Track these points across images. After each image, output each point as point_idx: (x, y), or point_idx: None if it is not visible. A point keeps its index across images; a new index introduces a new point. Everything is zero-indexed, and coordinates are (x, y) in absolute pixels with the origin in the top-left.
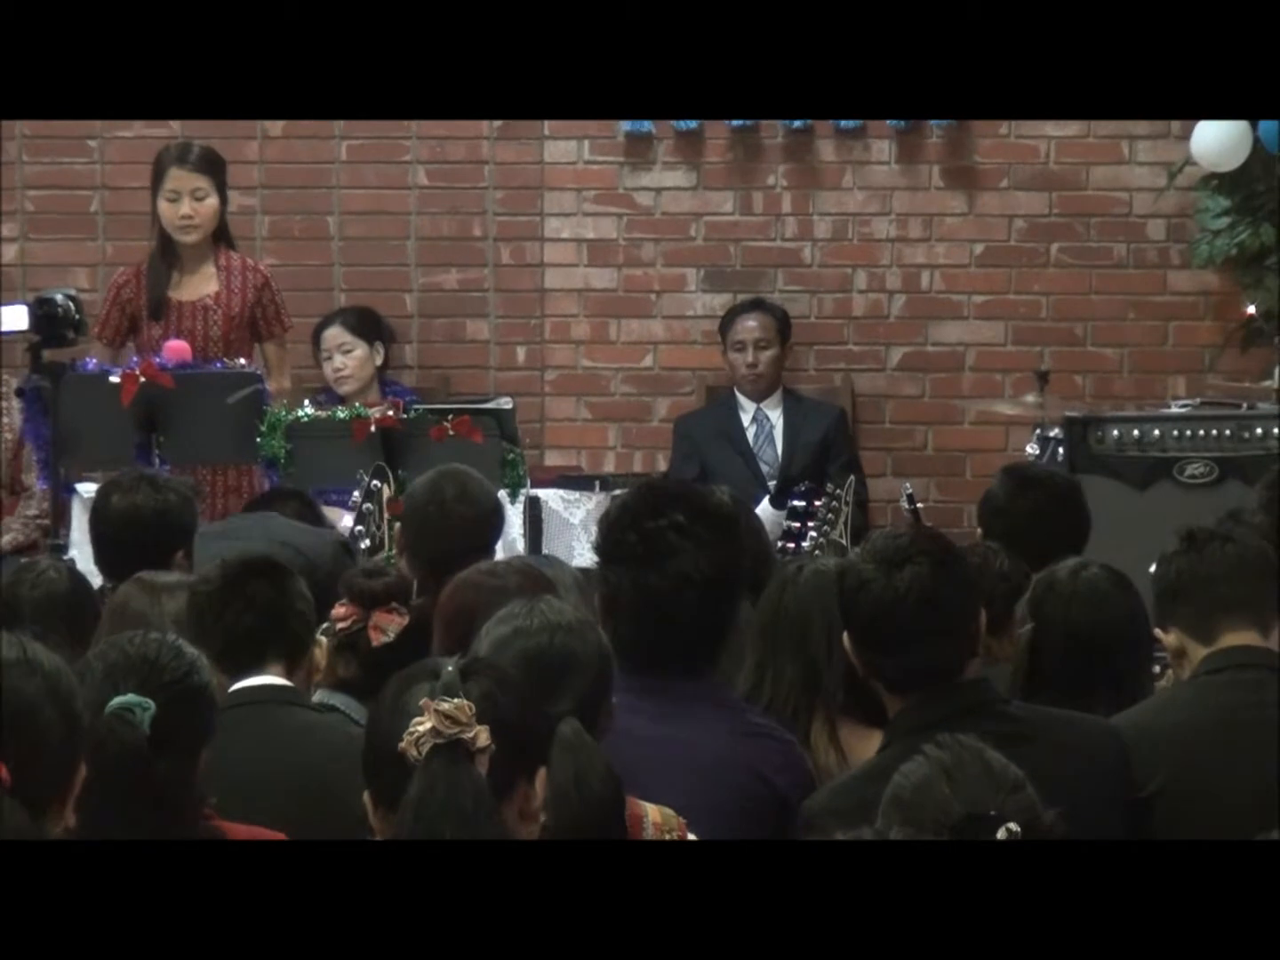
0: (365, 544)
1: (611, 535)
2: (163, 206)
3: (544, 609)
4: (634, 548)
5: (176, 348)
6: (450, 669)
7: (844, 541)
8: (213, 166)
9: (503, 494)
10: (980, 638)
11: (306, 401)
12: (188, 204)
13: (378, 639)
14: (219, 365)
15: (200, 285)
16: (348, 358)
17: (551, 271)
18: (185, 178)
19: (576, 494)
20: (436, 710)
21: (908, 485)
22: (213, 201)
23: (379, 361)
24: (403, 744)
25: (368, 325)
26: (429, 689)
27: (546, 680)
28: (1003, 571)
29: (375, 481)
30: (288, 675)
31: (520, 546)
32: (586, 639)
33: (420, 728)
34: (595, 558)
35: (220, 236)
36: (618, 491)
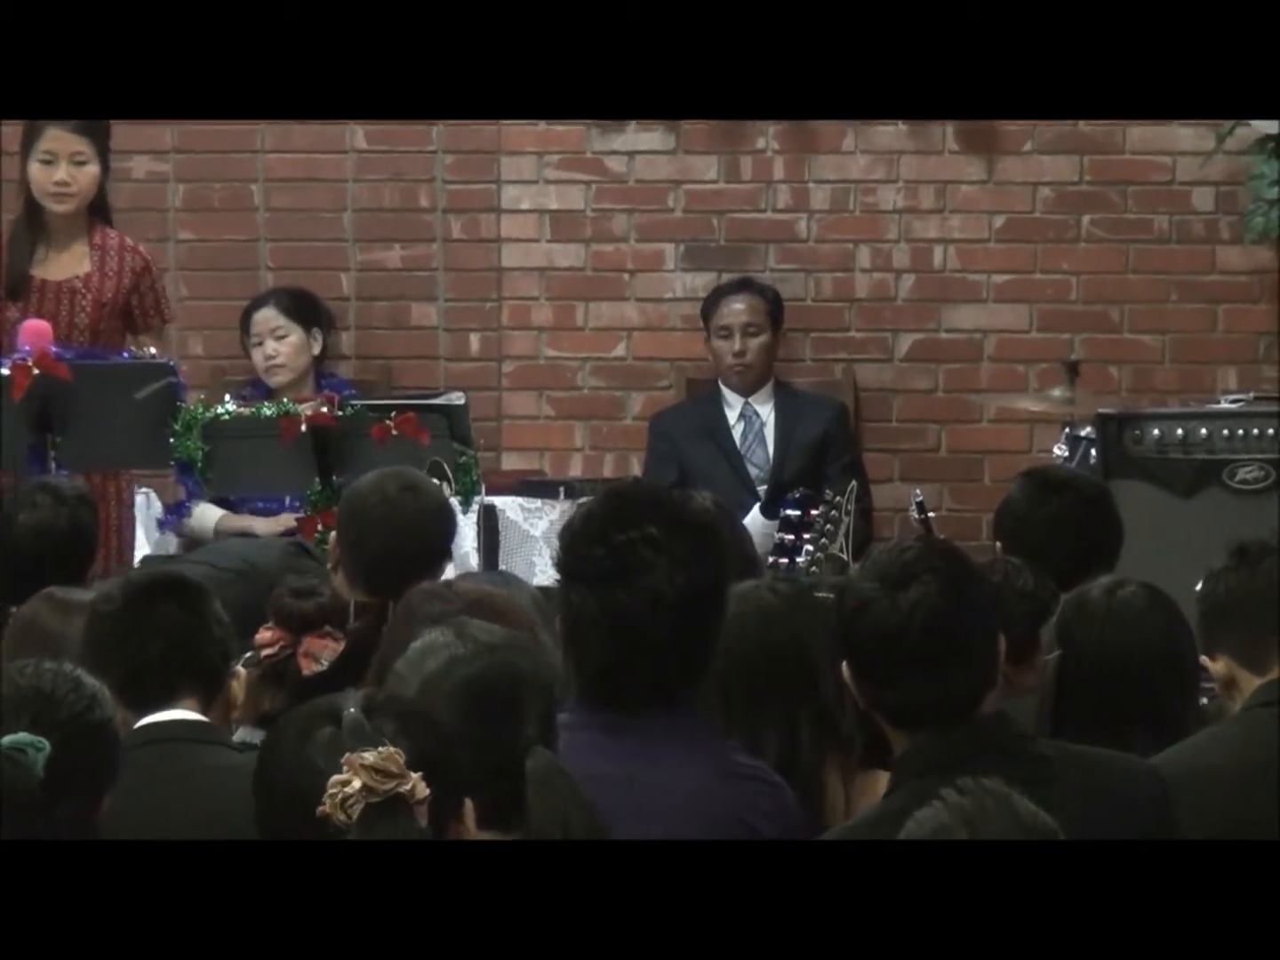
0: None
1: (575, 549)
2: (34, 170)
3: (473, 631)
4: (600, 563)
5: (35, 329)
6: (352, 710)
7: (845, 556)
8: (96, 129)
9: (454, 502)
10: (999, 666)
11: (228, 396)
12: (64, 169)
13: (309, 668)
14: (126, 355)
15: (70, 264)
16: (281, 344)
17: (509, 248)
18: (64, 139)
19: (538, 502)
20: (363, 765)
21: (918, 492)
22: (93, 169)
23: (316, 350)
24: (324, 808)
25: (305, 308)
26: (331, 736)
27: (500, 706)
28: (1026, 590)
29: (434, 479)
30: (203, 709)
31: (474, 562)
32: (529, 654)
33: (347, 788)
34: (557, 575)
35: (97, 210)
36: (583, 499)
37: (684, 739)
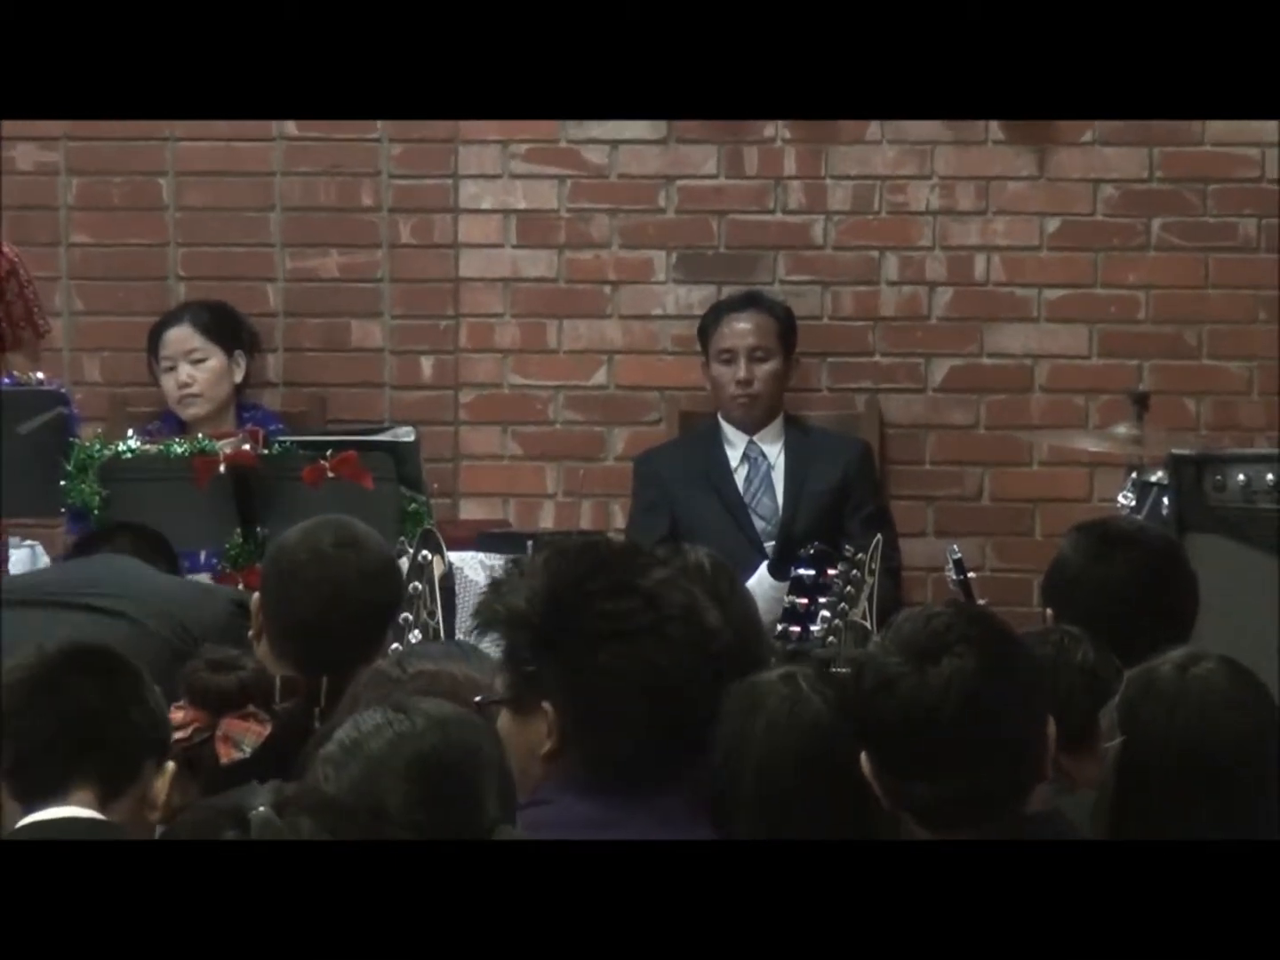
0: (414, 634)
1: (574, 605)
2: None
3: (419, 705)
4: (627, 615)
5: None
6: (261, 809)
7: (868, 624)
8: None
9: (403, 560)
10: (1050, 756)
11: (130, 431)
12: None
13: (228, 755)
14: (7, 381)
15: None
16: (198, 369)
17: (468, 254)
18: None
19: (502, 559)
20: None
21: (955, 548)
22: None
23: (238, 377)
24: None
25: (225, 327)
26: (234, 841)
27: (458, 786)
28: (1083, 665)
29: (425, 552)
30: (101, 806)
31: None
32: (483, 729)
33: None
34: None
35: None
36: (519, 558)
37: (691, 824)
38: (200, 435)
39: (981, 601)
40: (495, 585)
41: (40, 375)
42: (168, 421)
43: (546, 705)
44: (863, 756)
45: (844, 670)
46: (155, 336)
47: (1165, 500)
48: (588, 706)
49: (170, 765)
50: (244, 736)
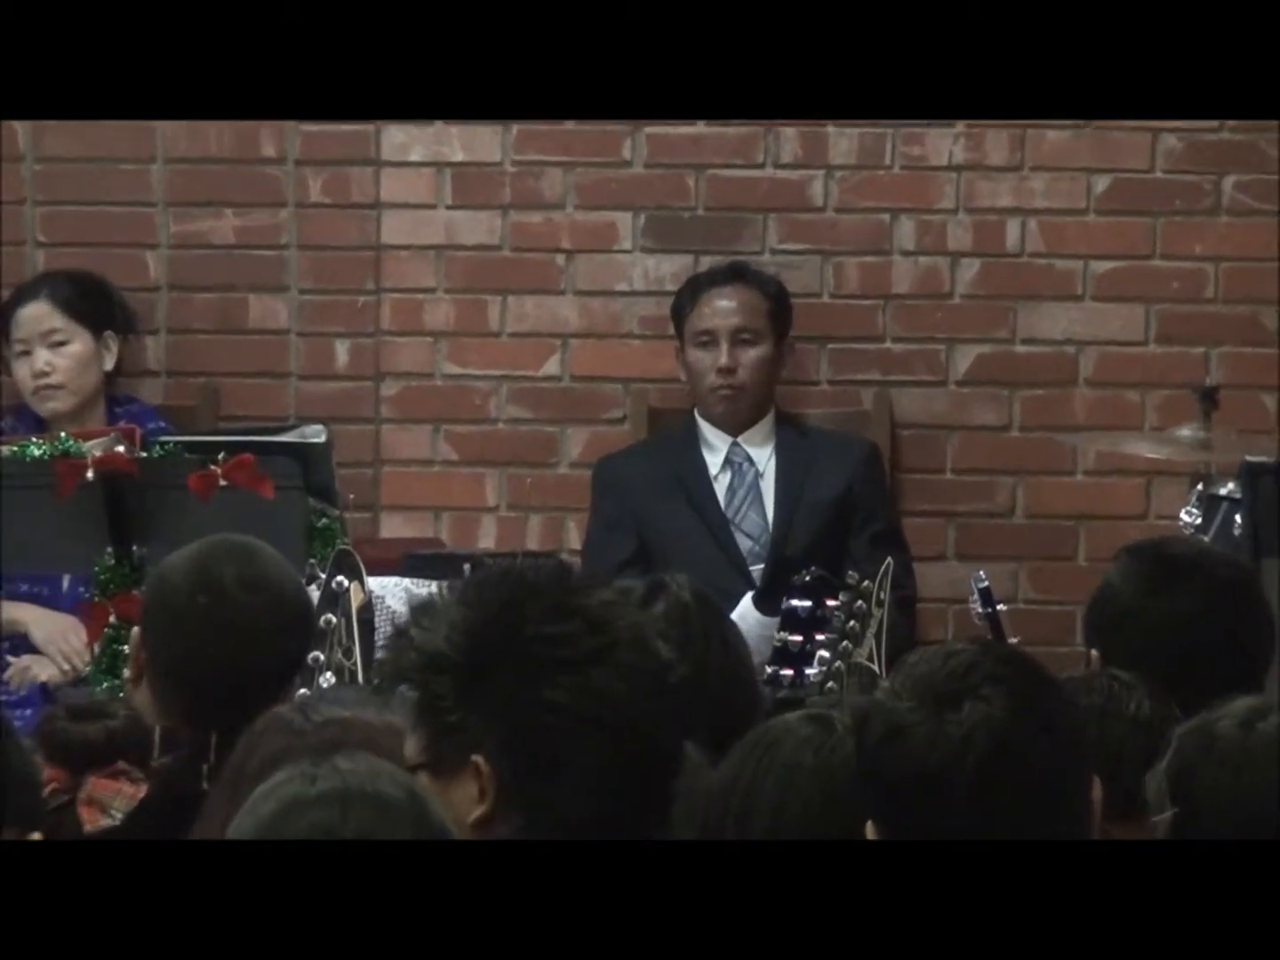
0: (326, 676)
1: (513, 630)
2: None
3: (335, 763)
4: (567, 640)
5: None
6: None
7: (875, 666)
8: None
9: (312, 588)
10: (1093, 822)
11: None
12: None
13: (93, 820)
14: None
15: None
16: (59, 355)
17: (393, 217)
18: None
19: (432, 585)
20: None
21: (981, 574)
22: None
23: (109, 365)
24: None
25: (93, 304)
26: None
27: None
28: (1136, 718)
29: (339, 578)
30: None
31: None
32: (408, 790)
33: None
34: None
35: None
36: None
37: None
38: (63, 435)
39: (1013, 639)
40: (400, 631)
41: None
42: (22, 418)
43: (477, 760)
44: (868, 824)
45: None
46: (6, 315)
47: (1237, 518)
48: (529, 753)
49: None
50: (113, 799)
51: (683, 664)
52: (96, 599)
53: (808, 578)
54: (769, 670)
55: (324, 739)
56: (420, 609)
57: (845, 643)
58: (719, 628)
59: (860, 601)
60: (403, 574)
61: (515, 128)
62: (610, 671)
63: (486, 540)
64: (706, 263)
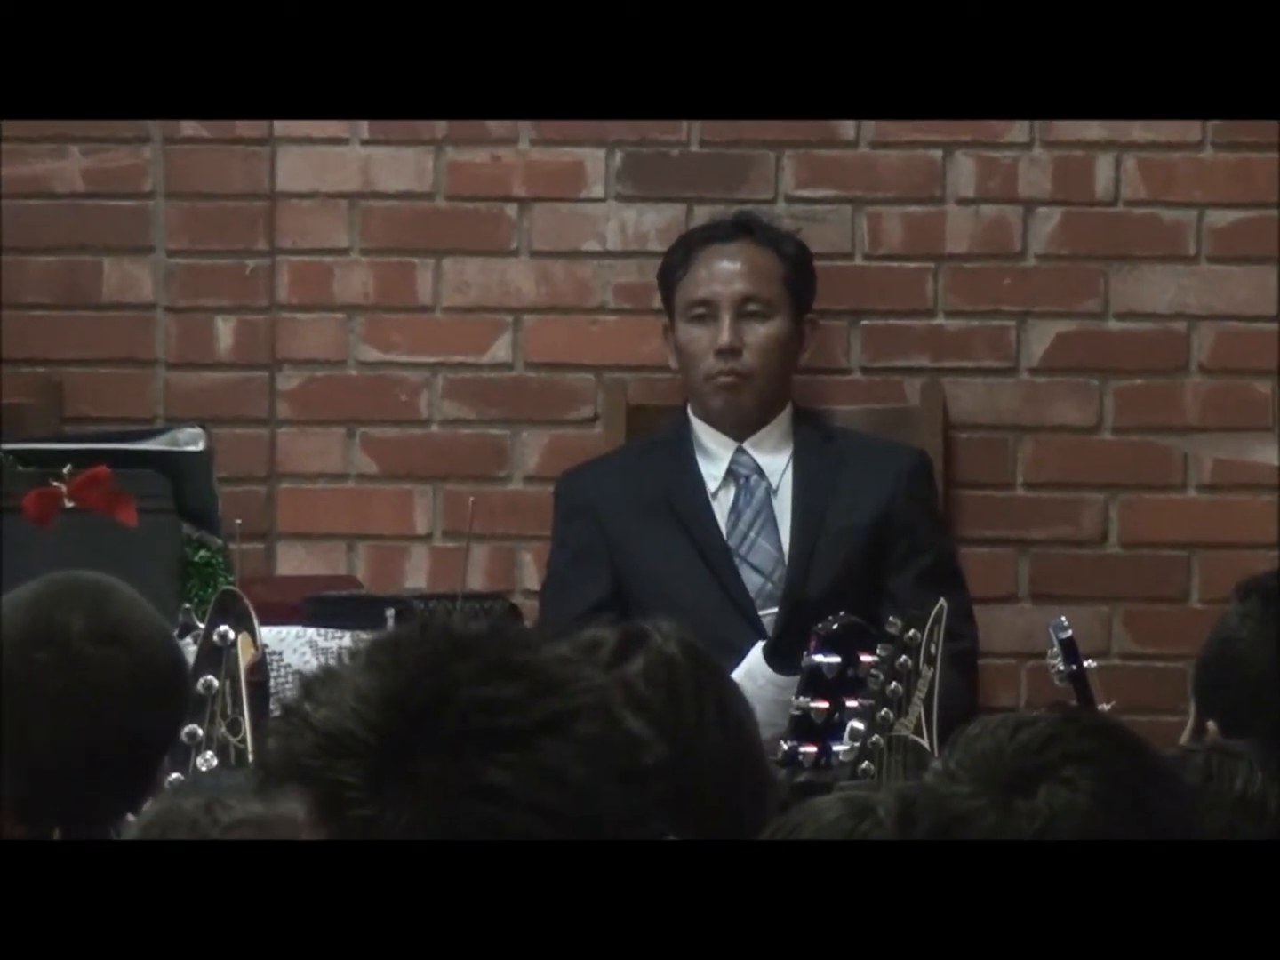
0: (206, 756)
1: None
2: None
3: None
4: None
5: None
6: None
7: (925, 740)
8: None
9: (188, 640)
10: None
11: None
12: None
13: None
14: None
15: None
16: None
17: (292, 154)
18: None
19: (345, 637)
20: None
21: (1063, 621)
22: None
23: None
24: None
25: None
26: None
27: None
28: (1245, 797)
29: (223, 629)
30: None
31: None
32: None
33: None
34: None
35: None
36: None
37: None
38: None
39: (1104, 705)
40: (289, 710)
41: None
42: None
43: None
44: None
45: (883, 808)
46: None
47: None
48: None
49: None
50: None
51: (664, 739)
52: None
53: (835, 626)
54: (785, 747)
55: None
56: (315, 680)
57: (885, 710)
58: (716, 691)
59: (904, 657)
60: (306, 623)
61: None
62: (565, 747)
63: (416, 578)
64: (703, 214)
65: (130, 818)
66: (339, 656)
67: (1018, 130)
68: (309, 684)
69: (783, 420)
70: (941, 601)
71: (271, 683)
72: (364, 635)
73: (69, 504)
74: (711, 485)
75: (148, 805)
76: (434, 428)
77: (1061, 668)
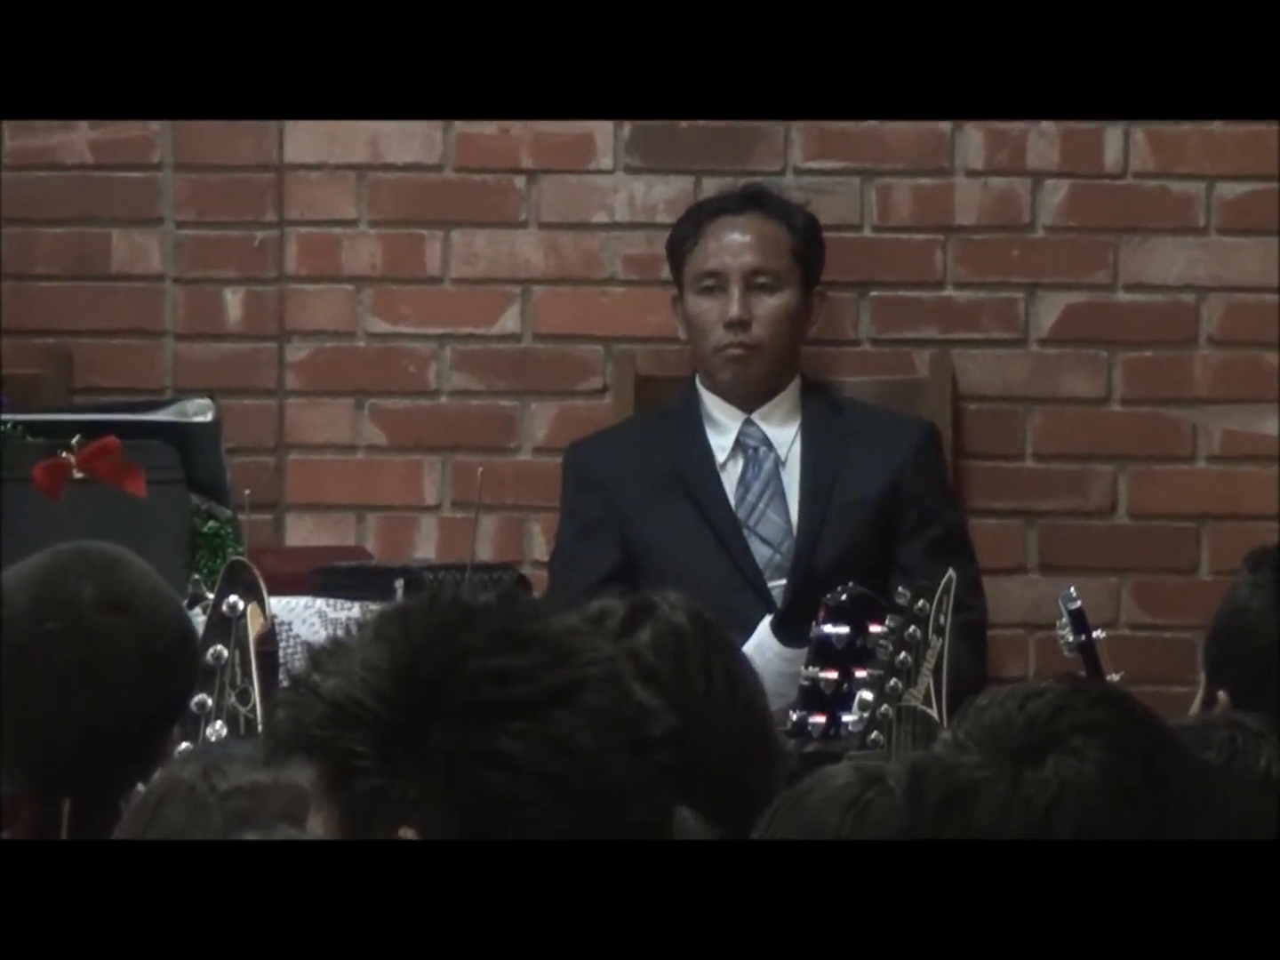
0: (215, 726)
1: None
2: None
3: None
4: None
5: None
6: None
7: (933, 711)
8: None
9: (197, 611)
10: None
11: None
12: None
13: None
14: None
15: None
16: None
17: (300, 127)
18: None
19: (354, 608)
20: None
21: (1072, 592)
22: None
23: None
24: None
25: None
26: None
27: None
28: (1266, 777)
29: (232, 599)
30: None
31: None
32: None
33: None
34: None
35: None
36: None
37: None
38: None
39: (1113, 676)
40: (298, 681)
41: None
42: None
43: (406, 834)
44: None
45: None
46: None
47: None
48: (476, 821)
49: None
50: None
51: (672, 710)
52: None
53: (844, 597)
54: (794, 717)
55: (232, 811)
56: (323, 651)
57: (894, 681)
58: (725, 662)
59: (913, 627)
60: (315, 593)
61: None
62: (575, 717)
63: (425, 549)
64: (711, 187)
65: (140, 788)
66: (348, 627)
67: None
68: (317, 655)
69: (791, 392)
70: (950, 572)
71: (280, 653)
72: (373, 606)
73: (78, 475)
74: (720, 457)
75: (159, 776)
76: (443, 399)
77: (1070, 638)
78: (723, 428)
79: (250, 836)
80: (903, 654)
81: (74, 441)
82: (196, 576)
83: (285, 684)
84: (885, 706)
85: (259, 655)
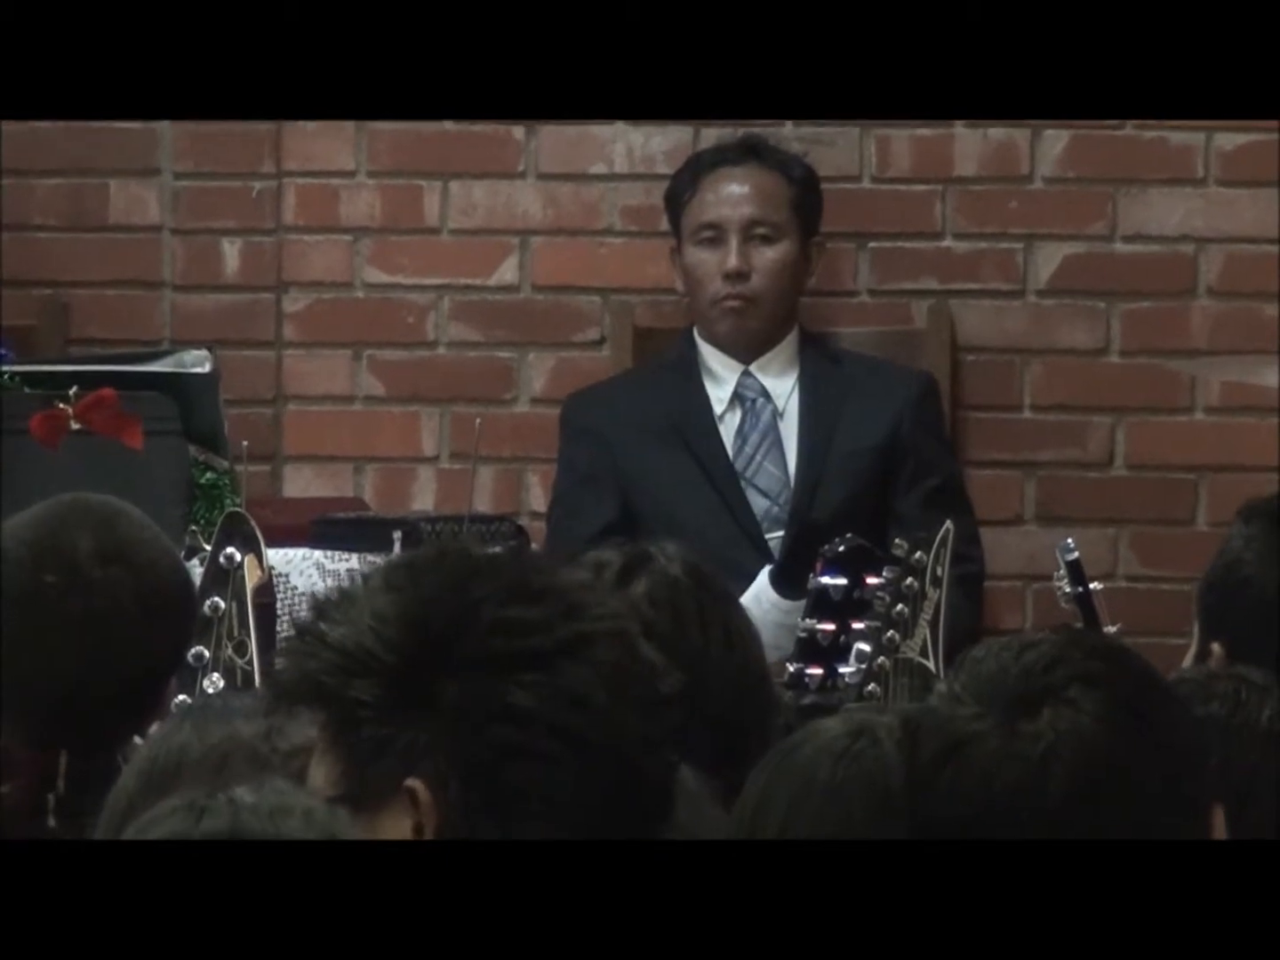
0: (213, 678)
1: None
2: None
3: (234, 797)
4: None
5: None
6: None
7: (930, 662)
8: None
9: (194, 562)
10: None
11: None
12: None
13: None
14: None
15: None
16: None
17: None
18: None
19: (352, 559)
20: None
21: (1070, 543)
22: None
23: None
24: None
25: None
26: None
27: None
28: (1270, 731)
29: (230, 550)
30: None
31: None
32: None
33: None
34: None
35: None
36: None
37: None
38: None
39: (1110, 627)
40: (304, 631)
41: None
42: None
43: (413, 785)
44: None
45: (889, 732)
46: None
47: None
48: (482, 776)
49: None
50: None
51: (673, 664)
52: None
53: (841, 548)
54: (791, 669)
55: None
56: (329, 601)
57: (891, 633)
58: (722, 613)
59: (910, 579)
60: (313, 545)
61: None
62: (587, 670)
63: (423, 500)
64: (710, 137)
65: (137, 740)
66: (348, 578)
67: None
68: (322, 605)
69: (789, 343)
70: (947, 523)
71: (278, 604)
72: (371, 557)
73: (75, 426)
74: (718, 408)
75: (158, 729)
76: (441, 350)
77: (1067, 590)
78: (720, 379)
79: (241, 793)
80: (900, 606)
81: (71, 393)
82: (194, 528)
83: (290, 634)
84: (882, 658)
85: (256, 607)
